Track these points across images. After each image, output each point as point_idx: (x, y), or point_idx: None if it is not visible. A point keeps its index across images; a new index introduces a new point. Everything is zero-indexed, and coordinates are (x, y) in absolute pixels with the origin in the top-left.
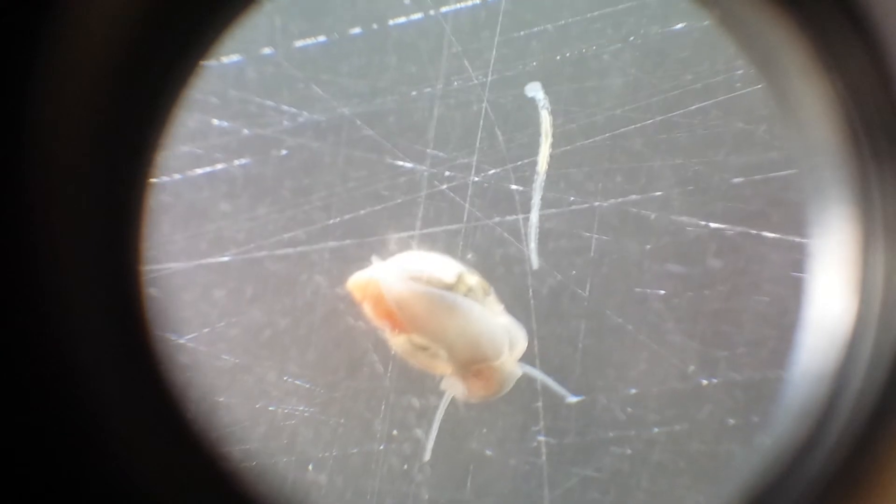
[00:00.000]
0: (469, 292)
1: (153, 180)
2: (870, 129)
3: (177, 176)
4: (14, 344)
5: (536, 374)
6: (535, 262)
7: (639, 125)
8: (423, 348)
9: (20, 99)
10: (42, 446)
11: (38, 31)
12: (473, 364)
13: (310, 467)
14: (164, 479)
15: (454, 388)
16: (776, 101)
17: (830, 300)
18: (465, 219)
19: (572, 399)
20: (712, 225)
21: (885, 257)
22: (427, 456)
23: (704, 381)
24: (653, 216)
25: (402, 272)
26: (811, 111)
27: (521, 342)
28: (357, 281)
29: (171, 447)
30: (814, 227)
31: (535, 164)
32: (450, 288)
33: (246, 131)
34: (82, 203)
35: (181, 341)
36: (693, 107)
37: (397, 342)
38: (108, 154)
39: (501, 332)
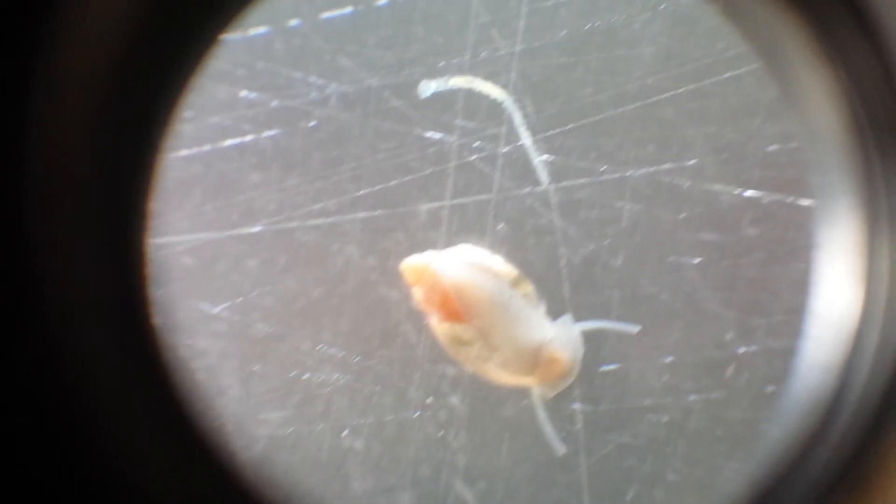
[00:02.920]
0: (526, 296)
1: (156, 180)
2: (874, 122)
3: (207, 147)
4: (13, 342)
5: (588, 325)
6: (543, 177)
7: (671, 94)
8: (465, 343)
9: (22, 84)
10: (42, 445)
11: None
12: (530, 363)
13: (346, 435)
14: (165, 479)
15: (538, 389)
16: (780, 92)
17: (836, 292)
18: (494, 189)
19: (636, 329)
20: (747, 193)
21: (890, 248)
22: (561, 450)
23: (741, 349)
24: (686, 185)
25: (460, 259)
26: (815, 103)
27: (574, 345)
28: (412, 264)
29: (173, 446)
30: (819, 219)
31: (565, 134)
32: (509, 285)
33: (274, 103)
34: (84, 201)
35: (214, 311)
36: (726, 75)
37: (441, 331)
38: (112, 146)
39: (538, 338)
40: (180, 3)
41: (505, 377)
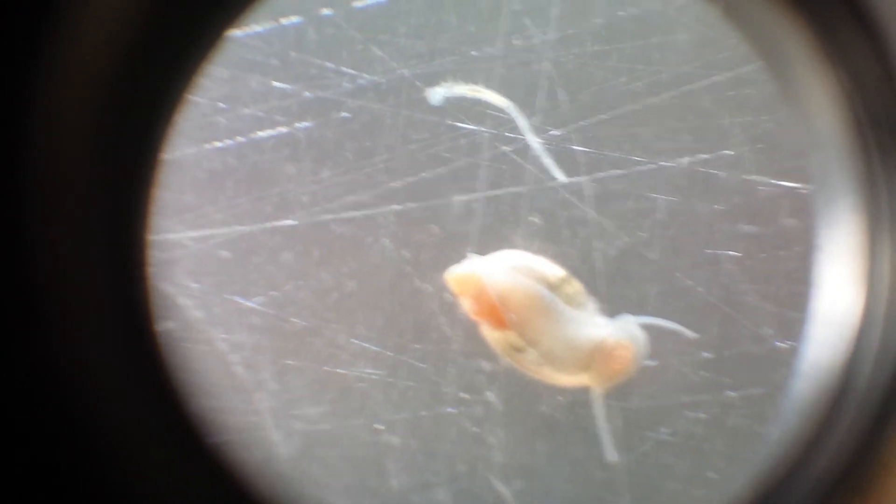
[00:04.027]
0: (574, 294)
1: (157, 181)
2: (875, 123)
3: (240, 139)
4: (14, 345)
5: (650, 321)
6: (559, 175)
7: (707, 82)
8: (520, 350)
9: (24, 83)
10: (42, 449)
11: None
12: (590, 361)
13: (381, 430)
14: (163, 478)
15: (597, 386)
16: (782, 94)
17: (838, 293)
18: (528, 181)
19: (694, 336)
20: (785, 183)
21: (891, 249)
22: (614, 456)
23: (780, 344)
24: (723, 175)
25: (506, 265)
26: (817, 105)
27: (637, 339)
28: (457, 275)
29: (174, 449)
30: (820, 221)
31: (599, 124)
32: (553, 288)
33: (307, 94)
34: (85, 203)
35: (249, 304)
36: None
37: (493, 339)
38: (113, 147)
39: (595, 335)
40: (180, 4)
41: (565, 379)
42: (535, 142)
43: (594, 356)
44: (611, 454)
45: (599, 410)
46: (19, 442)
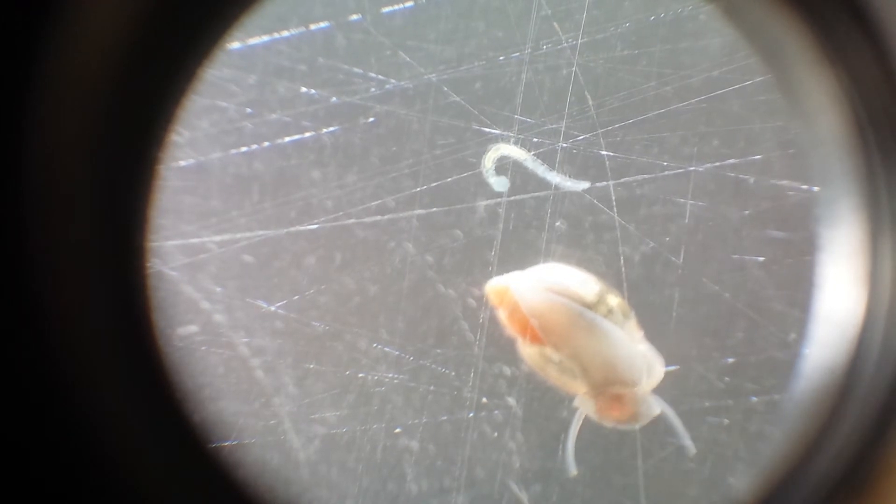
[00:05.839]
0: (609, 314)
1: (158, 181)
2: (875, 122)
3: (266, 144)
4: (12, 345)
5: (669, 412)
6: (578, 185)
7: (737, 87)
8: (555, 363)
9: (20, 94)
10: (41, 448)
11: (41, 12)
12: (608, 386)
13: (401, 434)
14: (167, 485)
15: (587, 406)
16: (782, 93)
17: (840, 294)
18: (553, 185)
19: (692, 450)
20: (815, 189)
21: (893, 249)
22: (572, 470)
23: (806, 350)
24: (752, 180)
25: (540, 283)
26: (816, 104)
27: (658, 371)
28: (495, 287)
29: (172, 451)
30: (822, 221)
31: (627, 129)
32: (590, 307)
33: (334, 99)
34: (82, 206)
35: (272, 308)
36: None
37: (529, 353)
38: (110, 150)
39: (639, 358)
40: (178, 10)
41: (575, 386)
42: (556, 178)
43: (610, 386)
44: (571, 468)
45: (576, 424)
46: (20, 453)
